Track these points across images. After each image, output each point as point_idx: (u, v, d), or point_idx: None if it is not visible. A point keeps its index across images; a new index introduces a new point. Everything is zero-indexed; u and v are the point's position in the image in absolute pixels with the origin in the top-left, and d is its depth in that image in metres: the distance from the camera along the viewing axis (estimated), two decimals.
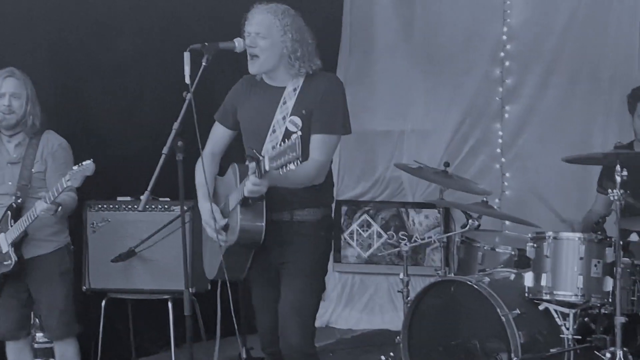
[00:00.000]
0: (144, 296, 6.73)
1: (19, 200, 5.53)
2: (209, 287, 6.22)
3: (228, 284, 4.72)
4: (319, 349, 4.95)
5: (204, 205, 4.79)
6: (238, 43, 4.69)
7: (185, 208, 4.75)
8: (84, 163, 5.24)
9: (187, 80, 4.44)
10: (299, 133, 4.52)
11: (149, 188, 4.40)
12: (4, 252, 5.55)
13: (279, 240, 4.67)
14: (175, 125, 4.45)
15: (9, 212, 5.54)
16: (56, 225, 5.65)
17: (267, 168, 4.27)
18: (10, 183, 5.58)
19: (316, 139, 4.67)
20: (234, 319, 4.76)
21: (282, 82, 4.78)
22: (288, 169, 4.24)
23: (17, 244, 5.53)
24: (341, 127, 4.74)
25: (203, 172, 4.75)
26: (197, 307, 6.47)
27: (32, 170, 5.56)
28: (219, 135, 4.96)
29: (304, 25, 4.79)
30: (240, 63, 4.88)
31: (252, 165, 4.36)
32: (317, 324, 4.97)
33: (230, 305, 4.76)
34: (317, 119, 4.68)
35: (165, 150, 4.42)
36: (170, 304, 6.56)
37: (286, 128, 4.69)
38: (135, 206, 6.61)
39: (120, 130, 7.13)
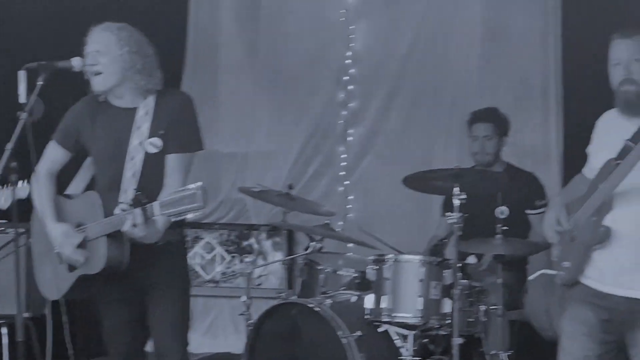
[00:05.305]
0: None
1: None
2: (46, 311, 6.08)
3: (64, 308, 4.62)
4: None
5: (56, 226, 4.68)
6: (75, 62, 4.61)
7: (21, 230, 4.63)
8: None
9: (22, 99, 4.34)
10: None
11: None
12: None
13: (142, 262, 4.57)
14: (9, 145, 4.33)
15: None
16: None
17: (155, 213, 4.22)
18: None
19: (173, 159, 4.63)
20: (69, 342, 4.67)
21: (131, 101, 4.71)
22: (186, 218, 4.20)
23: None
24: (197, 143, 4.73)
25: (44, 193, 4.72)
26: (33, 331, 6.31)
27: None
28: (57, 156, 4.84)
29: (144, 38, 4.76)
30: (81, 82, 4.78)
31: (136, 208, 4.30)
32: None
33: (72, 328, 4.67)
34: (174, 137, 4.64)
35: None
36: (5, 329, 6.38)
37: (145, 152, 4.62)
38: None
39: None
